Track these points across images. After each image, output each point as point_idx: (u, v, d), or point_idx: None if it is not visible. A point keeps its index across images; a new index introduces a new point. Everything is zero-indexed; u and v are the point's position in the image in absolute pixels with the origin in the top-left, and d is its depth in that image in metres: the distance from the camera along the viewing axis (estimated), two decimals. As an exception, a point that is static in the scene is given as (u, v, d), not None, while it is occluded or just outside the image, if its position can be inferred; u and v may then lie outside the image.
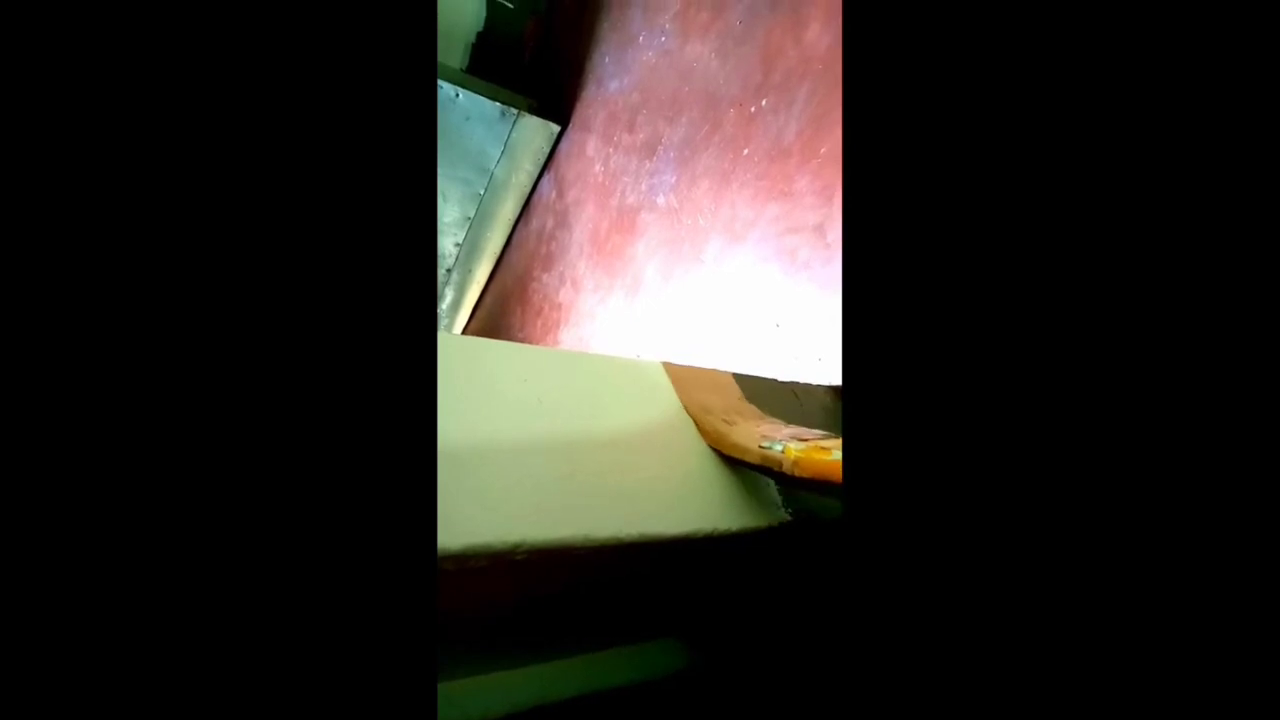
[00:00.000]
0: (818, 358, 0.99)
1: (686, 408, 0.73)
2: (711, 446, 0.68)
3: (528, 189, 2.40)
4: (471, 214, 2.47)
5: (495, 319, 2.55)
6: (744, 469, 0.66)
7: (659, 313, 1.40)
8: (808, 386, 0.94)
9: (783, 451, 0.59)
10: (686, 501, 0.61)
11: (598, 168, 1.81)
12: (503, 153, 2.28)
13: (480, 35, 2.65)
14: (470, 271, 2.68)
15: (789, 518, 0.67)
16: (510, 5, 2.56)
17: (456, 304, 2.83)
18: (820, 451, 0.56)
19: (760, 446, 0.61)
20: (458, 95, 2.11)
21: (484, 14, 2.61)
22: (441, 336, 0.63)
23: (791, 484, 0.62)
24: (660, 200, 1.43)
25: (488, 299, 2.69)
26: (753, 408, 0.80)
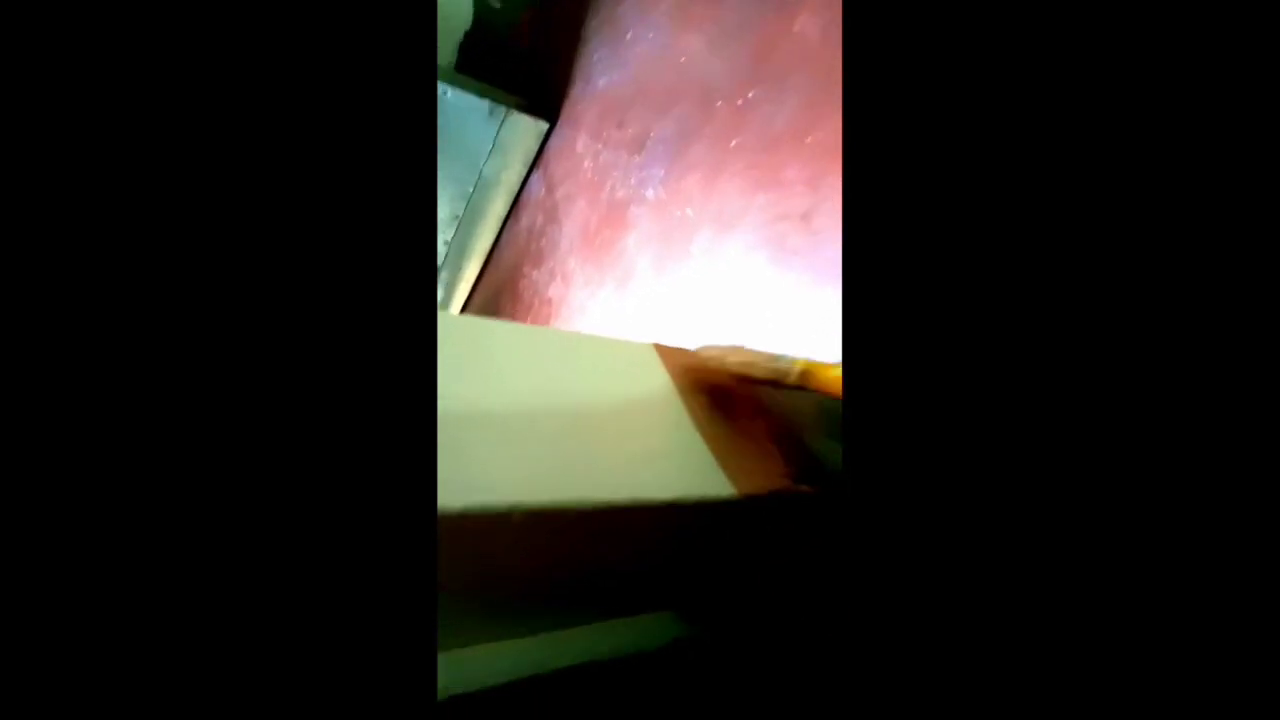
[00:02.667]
0: (805, 343, 1.01)
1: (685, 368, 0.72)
2: (712, 378, 0.69)
3: (517, 186, 2.40)
4: (460, 212, 2.48)
5: (486, 316, 2.56)
6: (748, 388, 0.67)
7: (650, 304, 1.41)
8: (796, 369, 0.96)
9: (791, 363, 0.63)
10: (677, 469, 0.63)
11: (587, 164, 1.82)
12: (491, 150, 2.28)
13: (468, 34, 2.66)
14: (460, 269, 2.68)
15: (782, 486, 0.68)
16: (497, 5, 2.57)
17: (446, 302, 2.83)
18: (826, 369, 0.61)
19: (769, 362, 0.65)
20: (447, 93, 2.12)
21: (472, 12, 2.62)
22: (441, 316, 0.64)
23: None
24: (649, 194, 1.45)
25: (478, 297, 2.69)
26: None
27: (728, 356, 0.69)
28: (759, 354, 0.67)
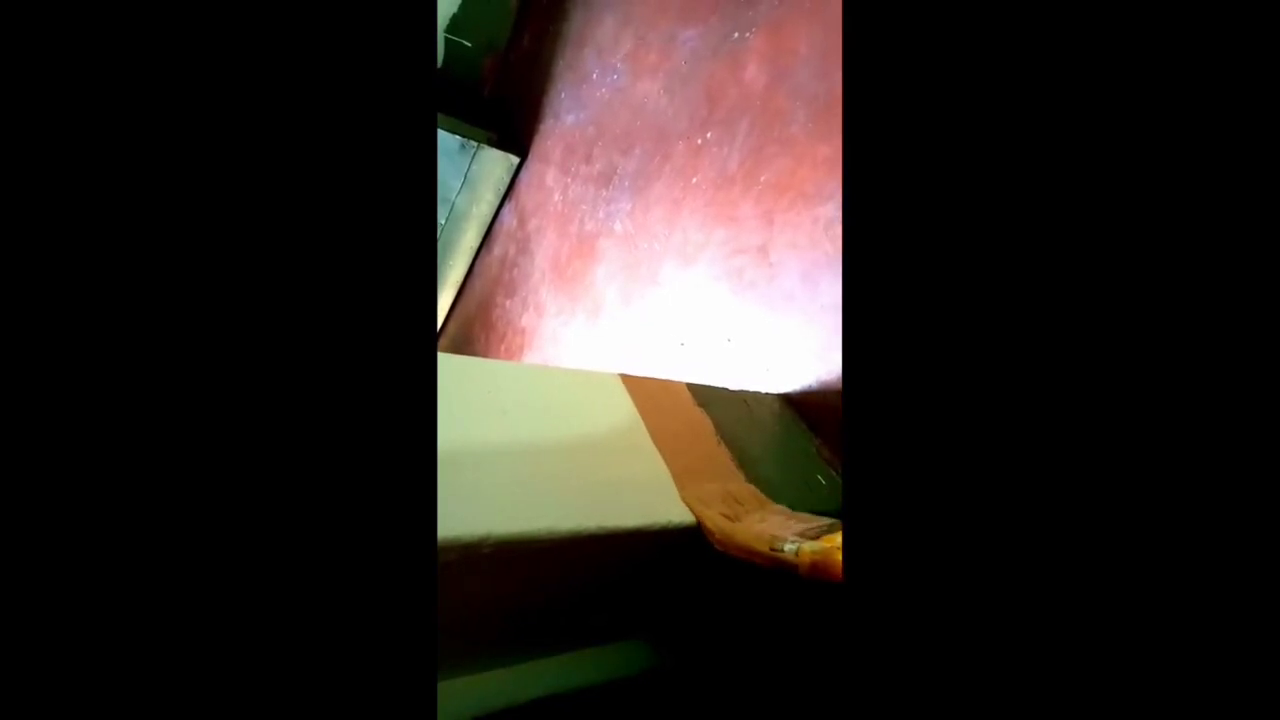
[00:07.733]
0: (766, 369, 1.06)
1: (684, 499, 0.69)
2: (717, 546, 0.66)
3: (489, 218, 2.44)
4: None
5: (459, 346, 2.56)
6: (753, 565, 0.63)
7: (620, 333, 1.45)
8: (758, 395, 1.01)
9: (796, 554, 0.58)
10: (642, 498, 0.66)
11: (557, 197, 1.87)
12: (463, 184, 2.32)
13: (440, 72, 2.72)
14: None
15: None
16: (468, 44, 2.64)
17: (418, 333, 2.82)
18: (838, 552, 0.56)
19: (771, 550, 0.61)
20: (418, 129, 2.15)
21: (443, 51, 2.68)
22: (408, 353, 0.66)
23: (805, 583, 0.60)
24: (617, 227, 1.50)
25: (451, 327, 2.70)
26: (751, 488, 0.76)
27: (735, 536, 0.64)
28: (761, 539, 0.62)
